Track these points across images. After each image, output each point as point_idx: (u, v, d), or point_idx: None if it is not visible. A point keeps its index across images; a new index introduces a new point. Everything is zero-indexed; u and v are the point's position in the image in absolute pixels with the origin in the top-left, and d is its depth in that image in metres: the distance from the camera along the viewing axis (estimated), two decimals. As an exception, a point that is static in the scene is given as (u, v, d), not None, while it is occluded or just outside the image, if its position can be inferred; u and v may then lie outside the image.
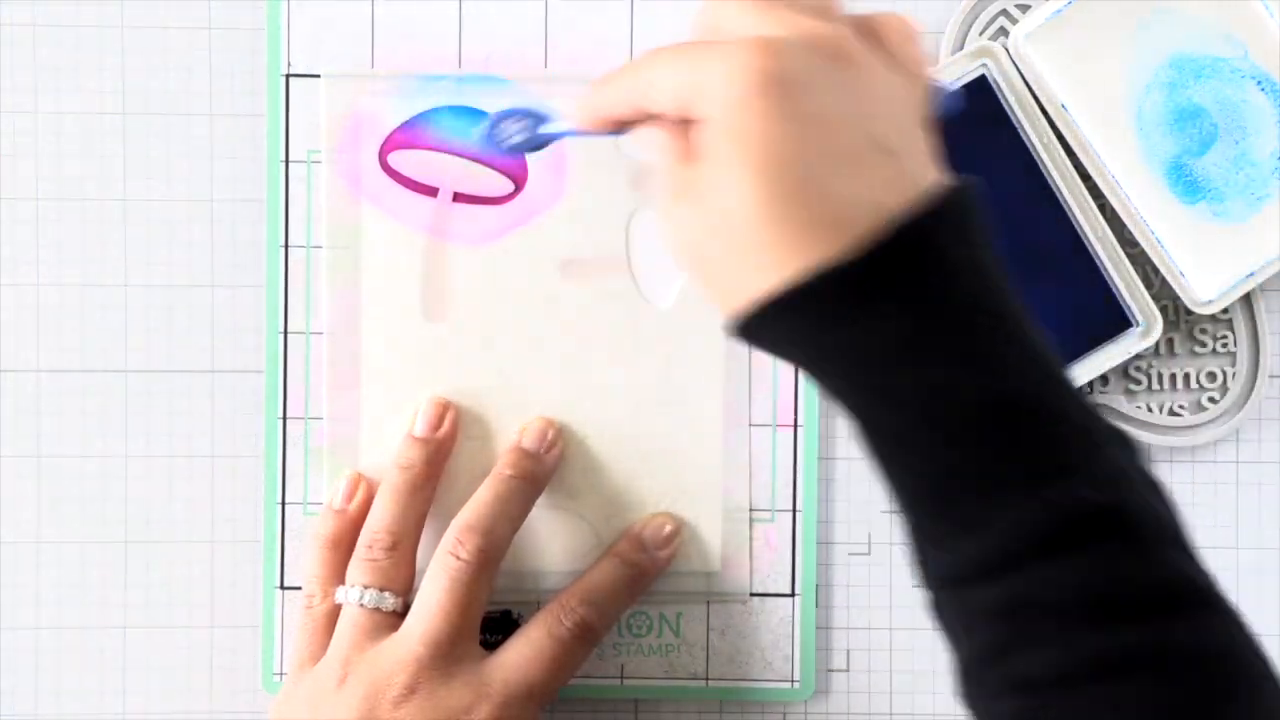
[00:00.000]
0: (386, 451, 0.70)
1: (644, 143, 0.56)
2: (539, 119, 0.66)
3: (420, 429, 0.70)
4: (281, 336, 0.71)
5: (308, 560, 0.69)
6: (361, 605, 0.66)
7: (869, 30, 0.55)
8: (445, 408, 0.70)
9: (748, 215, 0.51)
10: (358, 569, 0.67)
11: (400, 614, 0.66)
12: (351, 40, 0.71)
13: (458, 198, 0.71)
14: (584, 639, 0.67)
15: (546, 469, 0.70)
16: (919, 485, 0.52)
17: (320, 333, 0.71)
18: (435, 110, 0.70)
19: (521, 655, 0.66)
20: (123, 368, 0.72)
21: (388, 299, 0.71)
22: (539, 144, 0.66)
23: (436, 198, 0.71)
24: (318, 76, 0.71)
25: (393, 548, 0.67)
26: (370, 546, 0.67)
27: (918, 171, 0.52)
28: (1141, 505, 0.51)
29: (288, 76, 0.71)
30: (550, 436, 0.70)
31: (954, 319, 0.51)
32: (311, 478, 0.71)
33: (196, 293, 0.72)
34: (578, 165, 0.70)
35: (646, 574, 0.69)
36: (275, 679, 0.71)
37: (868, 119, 0.51)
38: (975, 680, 0.53)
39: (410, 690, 0.64)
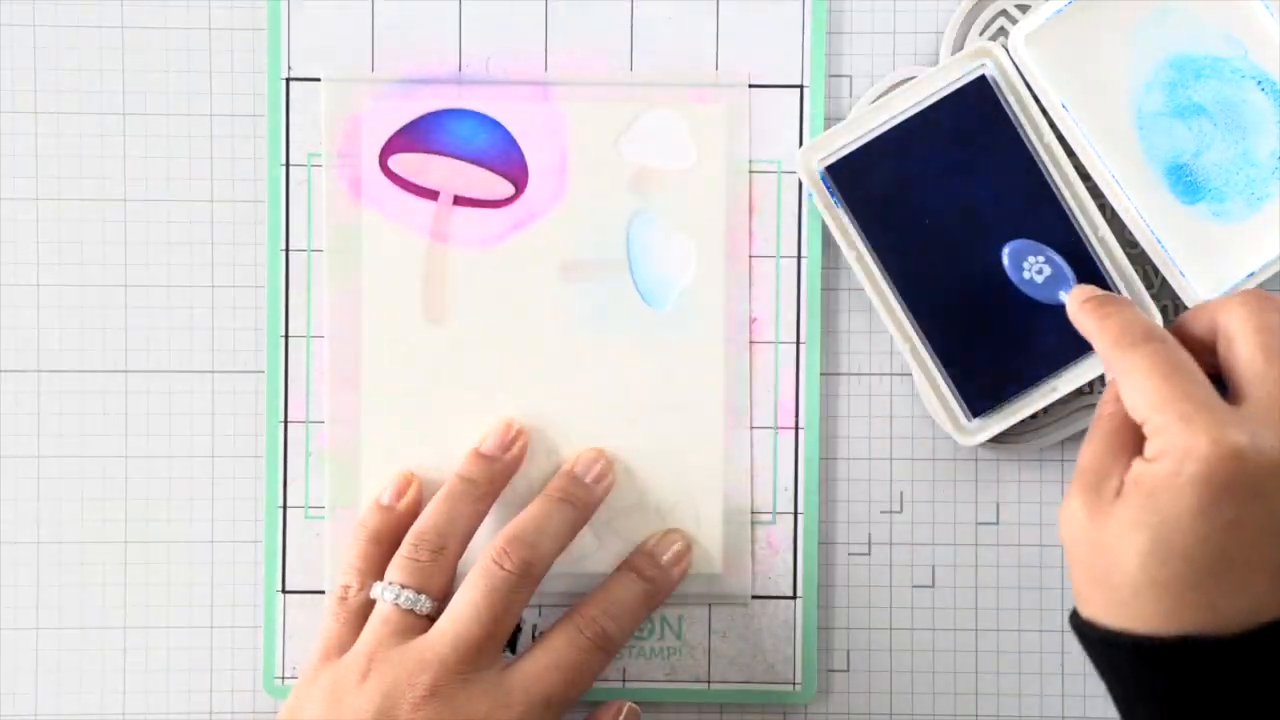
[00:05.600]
0: (387, 454, 0.71)
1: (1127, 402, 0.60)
2: (1060, 270, 0.69)
3: (489, 448, 0.70)
4: (282, 340, 0.71)
5: (348, 551, 0.69)
6: (396, 604, 0.66)
7: None
8: (518, 432, 0.70)
9: (1123, 572, 0.56)
10: (399, 567, 0.67)
11: (433, 618, 0.66)
12: (352, 43, 0.71)
13: (458, 200, 0.71)
14: (603, 649, 0.67)
15: (595, 498, 0.70)
16: None
17: (321, 336, 0.71)
18: (436, 114, 0.70)
19: (541, 665, 0.65)
20: (123, 368, 0.72)
21: (388, 302, 0.71)
22: (1053, 298, 0.68)
23: (437, 201, 0.71)
24: (318, 80, 0.71)
25: (438, 550, 0.67)
26: (416, 546, 0.67)
27: None
28: None
29: (288, 80, 0.71)
30: (600, 468, 0.70)
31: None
32: (313, 481, 0.71)
33: (196, 293, 0.72)
34: (578, 168, 0.71)
35: (661, 589, 0.70)
36: (277, 682, 0.71)
37: None
38: None
39: (431, 693, 0.63)
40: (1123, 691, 0.58)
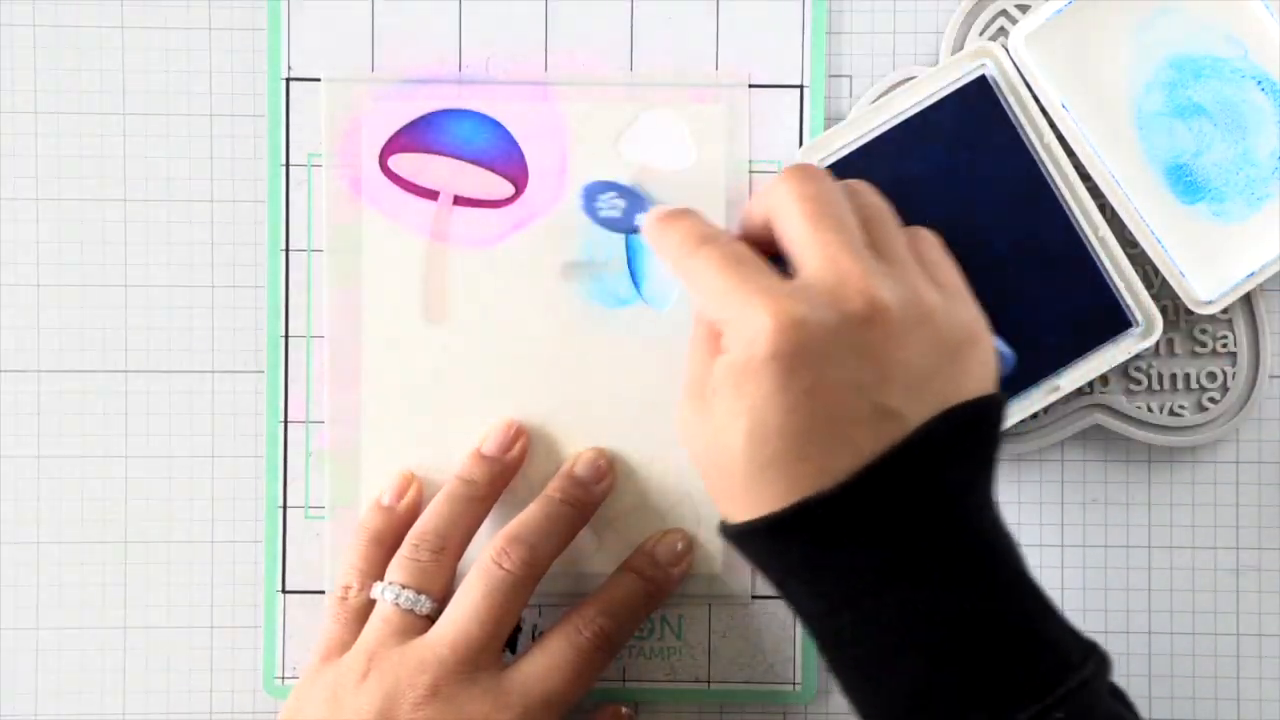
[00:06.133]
0: (387, 454, 0.71)
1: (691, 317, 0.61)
2: (636, 200, 0.68)
3: (490, 448, 0.70)
4: (282, 340, 0.71)
5: (349, 551, 0.69)
6: (396, 604, 0.66)
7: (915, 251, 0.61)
8: (519, 432, 0.70)
9: (736, 461, 0.56)
10: (399, 567, 0.67)
11: (433, 619, 0.66)
12: (352, 43, 0.71)
13: (458, 200, 0.71)
14: (603, 649, 0.67)
15: (595, 499, 0.70)
16: (893, 705, 0.55)
17: (321, 336, 0.71)
18: (436, 114, 0.70)
19: (540, 665, 0.66)
20: (123, 368, 0.72)
21: (388, 302, 0.71)
22: (631, 227, 0.68)
23: (437, 201, 0.71)
24: (318, 80, 0.71)
25: (439, 551, 0.67)
26: (417, 546, 0.67)
27: (919, 417, 0.55)
28: None
29: (288, 80, 0.71)
30: (600, 468, 0.70)
31: (926, 546, 0.55)
32: (313, 481, 0.71)
33: (196, 293, 0.72)
34: (578, 168, 0.71)
35: (661, 589, 0.70)
36: (277, 682, 0.71)
37: (878, 385, 0.55)
38: None
39: (432, 693, 0.63)
40: (773, 576, 0.58)
